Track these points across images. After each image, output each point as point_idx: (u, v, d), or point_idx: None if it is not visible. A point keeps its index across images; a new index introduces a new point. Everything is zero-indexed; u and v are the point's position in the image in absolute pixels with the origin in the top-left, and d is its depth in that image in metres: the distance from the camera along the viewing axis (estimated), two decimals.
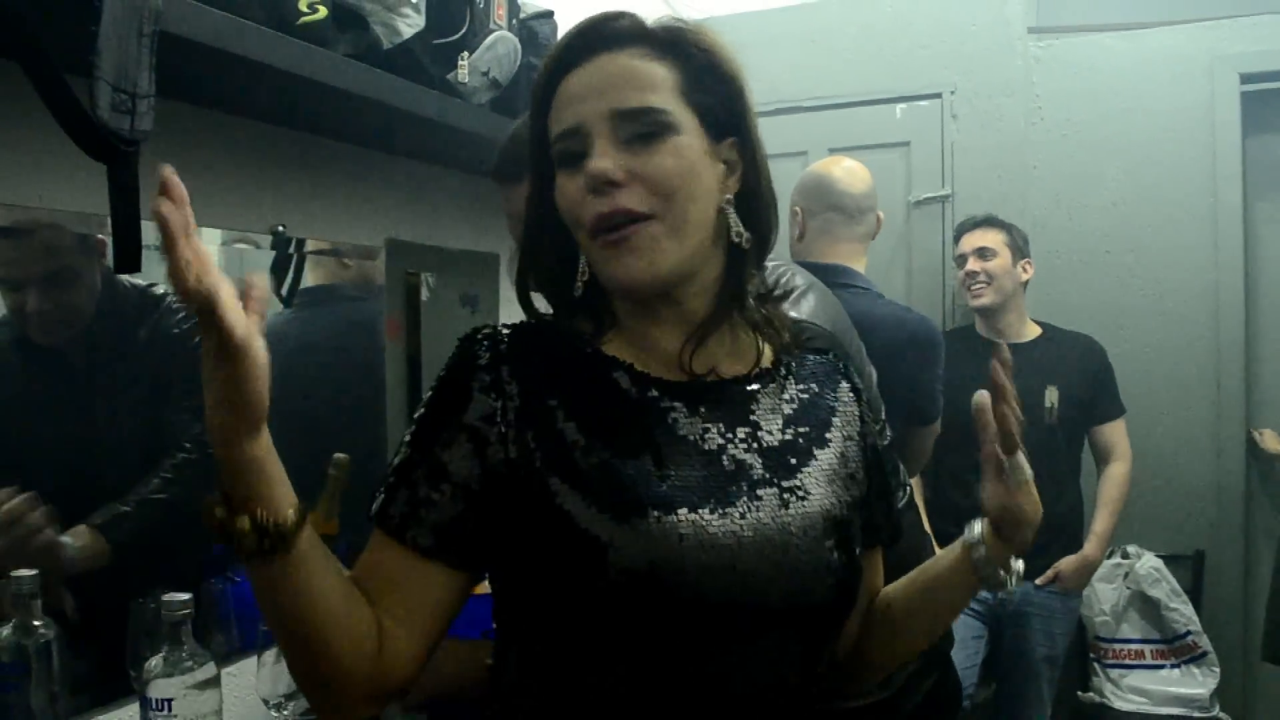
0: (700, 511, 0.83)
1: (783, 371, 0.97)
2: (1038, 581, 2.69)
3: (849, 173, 2.23)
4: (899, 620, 1.02)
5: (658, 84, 0.88)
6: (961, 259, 2.89)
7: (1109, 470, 2.83)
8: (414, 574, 0.85)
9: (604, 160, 0.85)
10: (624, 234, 0.86)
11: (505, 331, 0.90)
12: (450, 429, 0.86)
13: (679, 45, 0.90)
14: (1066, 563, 2.71)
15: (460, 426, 0.86)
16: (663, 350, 0.92)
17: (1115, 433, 2.85)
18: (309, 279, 1.79)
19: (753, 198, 0.94)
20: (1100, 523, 2.77)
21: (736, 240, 0.91)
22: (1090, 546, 2.75)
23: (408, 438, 0.88)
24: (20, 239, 1.29)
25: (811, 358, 1.02)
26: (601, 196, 0.86)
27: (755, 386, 0.94)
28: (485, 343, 0.89)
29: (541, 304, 0.99)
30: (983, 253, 2.84)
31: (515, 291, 0.97)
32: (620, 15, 0.91)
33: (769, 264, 1.33)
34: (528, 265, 0.96)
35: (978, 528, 0.95)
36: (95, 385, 1.40)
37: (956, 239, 2.95)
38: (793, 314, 1.31)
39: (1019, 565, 0.95)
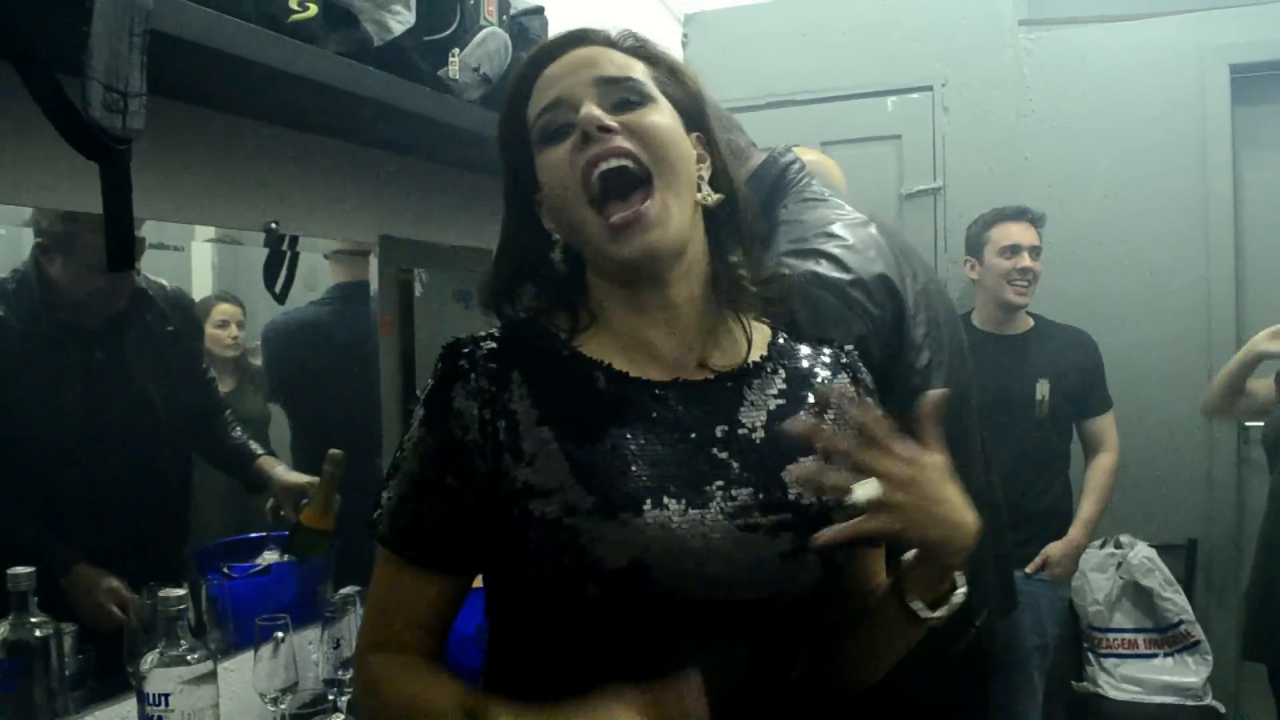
0: (669, 511, 0.84)
1: (770, 366, 0.97)
2: (1026, 570, 2.69)
3: (840, 173, 2.18)
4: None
5: (634, 67, 0.93)
6: (1012, 250, 2.79)
7: (1097, 460, 2.84)
8: (420, 585, 0.90)
9: (593, 108, 0.88)
10: (636, 210, 0.86)
11: (484, 340, 0.92)
12: (433, 443, 0.88)
13: (646, 49, 0.96)
14: (1053, 548, 2.72)
15: (441, 439, 0.88)
16: (645, 344, 0.92)
17: (1104, 425, 2.86)
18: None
19: (730, 202, 0.96)
20: (1086, 509, 2.79)
21: (702, 200, 0.92)
22: (1075, 531, 2.76)
23: (398, 453, 0.91)
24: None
25: (811, 350, 1.02)
26: (593, 144, 0.87)
27: (741, 382, 0.94)
28: (464, 354, 0.90)
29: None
30: (1036, 251, 2.82)
31: (489, 289, 0.98)
32: (594, 29, 0.97)
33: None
34: (504, 263, 0.98)
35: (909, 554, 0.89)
36: (107, 371, 1.44)
37: (994, 223, 2.85)
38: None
39: (958, 594, 0.88)
